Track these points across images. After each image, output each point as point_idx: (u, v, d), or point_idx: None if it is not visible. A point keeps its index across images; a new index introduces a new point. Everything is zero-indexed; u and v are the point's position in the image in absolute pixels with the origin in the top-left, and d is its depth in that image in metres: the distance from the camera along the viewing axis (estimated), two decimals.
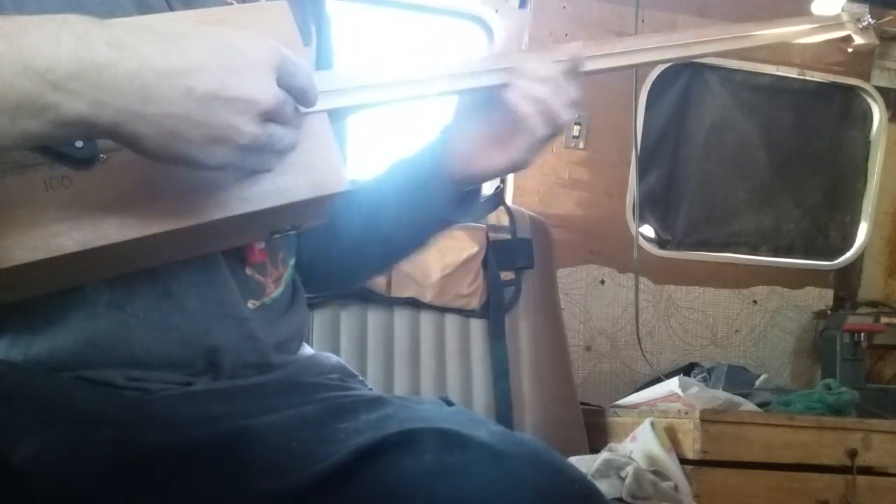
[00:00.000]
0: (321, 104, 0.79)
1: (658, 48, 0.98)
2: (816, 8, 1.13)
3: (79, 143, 0.67)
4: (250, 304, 0.86)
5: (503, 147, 0.91)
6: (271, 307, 0.90)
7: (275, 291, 0.90)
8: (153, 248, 0.73)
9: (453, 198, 0.95)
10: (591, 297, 2.51)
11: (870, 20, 1.10)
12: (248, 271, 0.87)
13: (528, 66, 0.88)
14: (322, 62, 0.99)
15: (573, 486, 0.70)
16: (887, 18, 1.16)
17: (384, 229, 0.99)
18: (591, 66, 0.92)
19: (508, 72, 0.88)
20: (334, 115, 0.82)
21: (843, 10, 1.11)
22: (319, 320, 1.90)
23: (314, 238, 0.98)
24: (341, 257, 1.02)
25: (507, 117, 0.89)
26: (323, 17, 1.00)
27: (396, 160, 1.00)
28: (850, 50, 1.10)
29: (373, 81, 0.85)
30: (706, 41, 1.00)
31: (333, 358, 0.98)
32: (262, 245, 0.85)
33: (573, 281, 2.49)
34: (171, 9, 0.81)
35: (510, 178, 2.36)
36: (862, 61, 2.59)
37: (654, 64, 2.22)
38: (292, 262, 0.94)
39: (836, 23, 1.10)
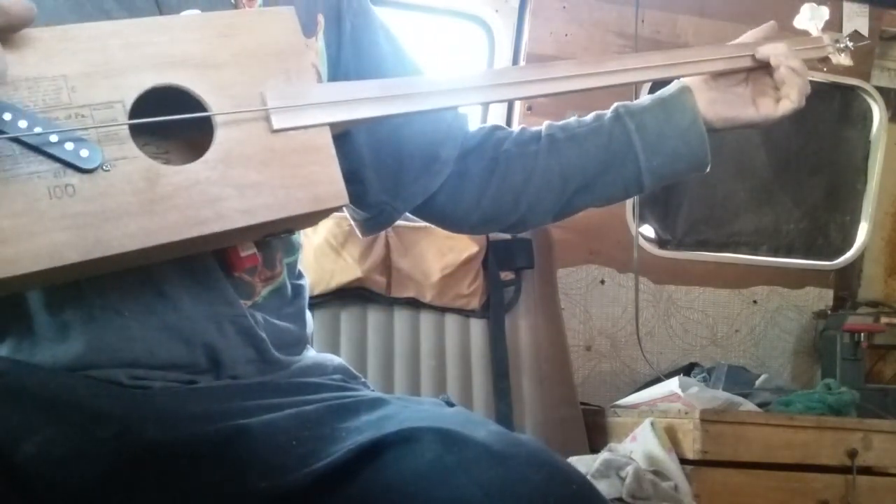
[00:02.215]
0: (322, 117, 0.79)
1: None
2: (799, 22, 1.16)
3: (84, 153, 0.68)
4: (242, 303, 0.87)
5: (754, 105, 1.06)
6: (264, 305, 0.90)
7: (264, 290, 0.90)
8: (153, 253, 0.73)
9: (704, 149, 1.05)
10: (591, 297, 2.51)
11: (847, 42, 1.16)
12: (236, 273, 0.87)
13: (786, 50, 1.05)
14: (357, 51, 1.00)
15: (571, 487, 0.70)
16: (864, 43, 1.21)
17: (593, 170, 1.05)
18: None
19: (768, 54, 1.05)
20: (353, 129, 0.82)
21: (822, 33, 1.16)
22: (319, 320, 1.89)
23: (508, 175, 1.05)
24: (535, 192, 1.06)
25: (759, 85, 1.06)
26: (342, 4, 1.00)
27: (620, 111, 1.06)
28: (825, 70, 1.16)
29: (387, 93, 0.86)
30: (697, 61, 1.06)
31: (336, 359, 0.98)
32: (251, 251, 0.85)
33: (573, 281, 2.49)
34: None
35: None
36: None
37: None
38: (288, 259, 0.95)
39: (816, 46, 1.14)
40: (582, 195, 1.07)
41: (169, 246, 0.72)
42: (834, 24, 1.19)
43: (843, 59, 1.16)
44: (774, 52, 1.05)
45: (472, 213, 1.07)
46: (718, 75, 1.06)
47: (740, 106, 1.06)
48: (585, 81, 0.98)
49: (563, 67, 0.98)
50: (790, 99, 1.04)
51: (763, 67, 1.06)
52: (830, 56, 1.16)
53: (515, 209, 1.07)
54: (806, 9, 1.16)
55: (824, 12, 1.15)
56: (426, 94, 0.89)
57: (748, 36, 1.08)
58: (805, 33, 1.16)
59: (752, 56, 1.05)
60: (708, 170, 1.07)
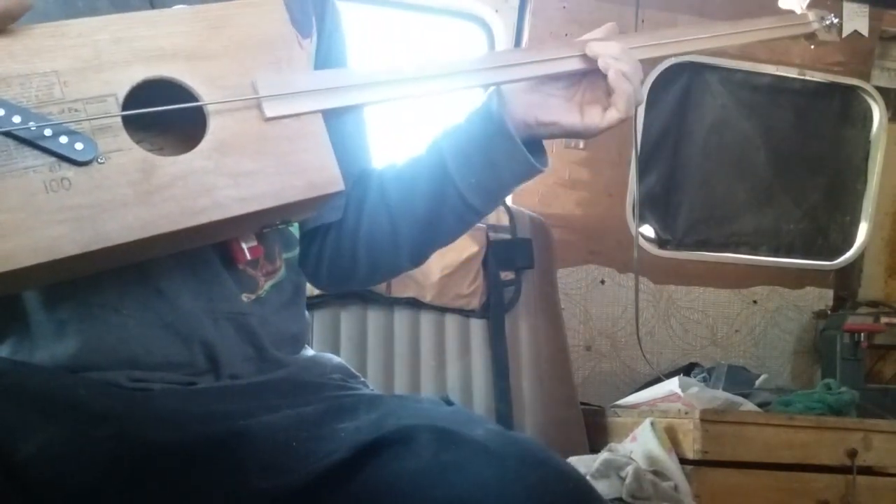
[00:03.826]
0: (314, 104, 0.79)
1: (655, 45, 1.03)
2: (783, 1, 1.14)
3: (79, 146, 0.68)
4: (244, 298, 0.87)
5: (580, 112, 0.96)
6: (266, 300, 0.90)
7: (267, 284, 0.90)
8: (150, 246, 0.74)
9: (521, 151, 0.96)
10: (591, 297, 2.51)
11: (833, 19, 1.12)
12: (240, 265, 0.87)
13: (618, 51, 0.96)
14: (327, 55, 0.99)
15: (567, 485, 0.70)
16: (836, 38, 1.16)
17: (426, 208, 0.99)
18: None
19: (597, 54, 0.95)
20: (332, 115, 0.82)
21: (807, 9, 1.13)
22: (319, 320, 1.90)
23: (339, 232, 1.00)
24: (372, 247, 1.01)
25: (593, 89, 0.97)
26: (327, 8, 1.00)
27: (437, 135, 1.00)
28: (812, 47, 1.12)
29: (373, 80, 0.86)
30: (689, 39, 1.04)
31: (335, 359, 0.99)
32: (253, 243, 0.85)
33: (573, 281, 2.49)
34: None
35: None
36: (862, 61, 2.58)
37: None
38: (288, 255, 0.95)
39: (801, 22, 1.11)
40: (420, 232, 1.01)
41: (168, 237, 0.72)
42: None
43: (830, 36, 1.12)
44: (604, 51, 0.95)
45: (321, 264, 1.04)
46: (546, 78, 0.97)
47: (563, 111, 0.96)
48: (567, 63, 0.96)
49: (557, 49, 0.96)
50: (617, 108, 0.94)
51: (598, 71, 0.96)
52: (817, 32, 1.11)
53: (355, 258, 1.02)
54: None
55: None
56: (416, 80, 0.89)
57: (587, 37, 1.01)
58: (790, 13, 1.13)
59: (584, 56, 0.97)
60: (545, 169, 0.99)
